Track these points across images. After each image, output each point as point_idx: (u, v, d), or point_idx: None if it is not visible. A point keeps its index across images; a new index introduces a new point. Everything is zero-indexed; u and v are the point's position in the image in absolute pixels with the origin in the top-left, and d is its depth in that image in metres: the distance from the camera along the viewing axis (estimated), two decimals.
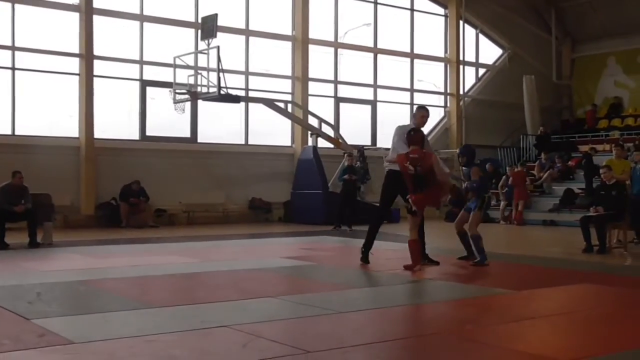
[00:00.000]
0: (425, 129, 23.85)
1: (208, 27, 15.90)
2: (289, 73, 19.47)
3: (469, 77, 23.26)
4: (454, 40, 22.51)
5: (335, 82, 20.33)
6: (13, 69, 15.77)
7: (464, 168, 9.26)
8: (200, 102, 17.19)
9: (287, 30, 19.46)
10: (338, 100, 20.30)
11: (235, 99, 16.52)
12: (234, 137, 18.64)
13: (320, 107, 19.30)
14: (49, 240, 11.43)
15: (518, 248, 11.81)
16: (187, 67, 16.35)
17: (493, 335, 4.97)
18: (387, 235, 13.65)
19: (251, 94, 18.52)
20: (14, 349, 4.37)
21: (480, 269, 8.46)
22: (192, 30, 17.80)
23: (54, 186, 14.54)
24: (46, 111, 16.28)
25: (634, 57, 23.31)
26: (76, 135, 16.30)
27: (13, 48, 15.74)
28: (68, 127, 16.30)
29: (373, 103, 20.99)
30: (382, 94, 21.18)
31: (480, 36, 23.55)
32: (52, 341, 4.57)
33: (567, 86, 25.17)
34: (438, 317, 5.76)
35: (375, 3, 21.09)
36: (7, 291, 6.64)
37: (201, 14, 16.85)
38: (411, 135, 8.04)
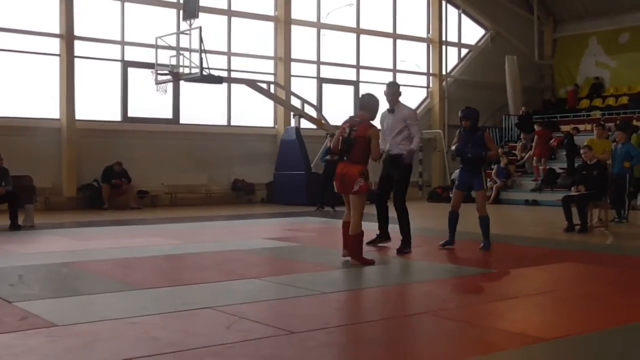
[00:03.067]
0: None
1: (190, 8, 15.75)
2: (272, 54, 19.36)
3: (452, 58, 23.27)
4: (436, 21, 22.48)
5: (318, 62, 20.25)
6: None
7: (463, 133, 8.23)
8: (182, 83, 17.07)
9: (270, 11, 19.32)
10: (321, 81, 20.23)
11: (217, 80, 16.42)
12: (217, 118, 18.55)
13: (303, 87, 19.24)
14: (31, 223, 11.34)
15: (500, 228, 11.87)
16: (169, 47, 16.21)
17: (476, 314, 5.02)
18: (370, 216, 13.71)
19: (234, 74, 18.40)
20: None
21: (464, 248, 8.48)
22: (174, 11, 17.62)
23: (35, 168, 14.42)
24: (27, 92, 16.07)
25: (615, 37, 23.43)
26: (57, 116, 16.13)
27: None
28: (49, 108, 16.13)
29: (356, 84, 20.95)
30: (364, 75, 21.14)
31: (463, 16, 23.53)
32: (34, 324, 4.55)
33: (549, 66, 25.28)
34: (421, 297, 5.80)
35: None
36: None
37: None
38: (363, 99, 7.46)
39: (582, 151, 11.23)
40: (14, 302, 5.22)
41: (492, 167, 18.89)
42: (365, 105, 7.38)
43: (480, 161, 8.23)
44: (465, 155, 8.23)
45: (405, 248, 8.09)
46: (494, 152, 8.26)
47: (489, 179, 18.39)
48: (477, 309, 5.19)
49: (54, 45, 16.13)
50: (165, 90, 16.52)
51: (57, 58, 16.12)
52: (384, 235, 8.59)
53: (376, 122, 7.50)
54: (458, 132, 8.51)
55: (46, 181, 15.34)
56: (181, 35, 16.20)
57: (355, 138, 7.12)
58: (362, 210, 7.15)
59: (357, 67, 21.05)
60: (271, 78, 18.92)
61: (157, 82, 16.24)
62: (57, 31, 16.09)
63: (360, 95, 7.70)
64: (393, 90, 8.33)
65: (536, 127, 19.64)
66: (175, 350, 3.93)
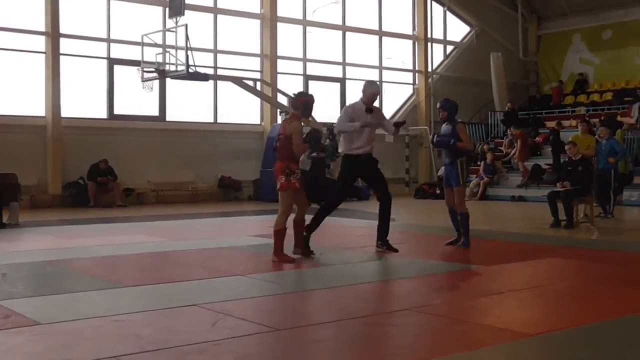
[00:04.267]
0: (395, 106, 23.81)
1: (176, 5, 15.69)
2: (258, 51, 19.32)
3: (437, 55, 23.31)
4: (421, 18, 22.50)
5: (304, 60, 20.23)
6: None
7: (444, 125, 8.25)
8: (168, 81, 17.00)
9: (256, 8, 19.27)
10: (307, 78, 20.20)
11: (203, 77, 16.36)
12: (203, 115, 18.48)
13: (289, 85, 19.20)
14: (15, 221, 11.26)
15: (486, 224, 11.93)
16: (155, 45, 16.13)
17: (462, 310, 5.03)
18: (355, 212, 13.72)
19: (220, 72, 18.35)
20: None
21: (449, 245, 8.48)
22: (160, 8, 17.51)
23: (20, 166, 14.31)
24: (12, 90, 15.94)
25: (599, 33, 23.57)
26: (43, 114, 16.00)
27: None
28: (34, 106, 15.99)
29: (342, 81, 20.94)
30: (350, 72, 21.13)
31: (448, 14, 23.58)
32: (18, 322, 4.52)
33: (533, 63, 25.39)
34: (406, 293, 5.81)
35: None
36: None
37: None
38: (293, 98, 7.51)
39: (567, 147, 11.28)
40: None
41: (479, 163, 19.02)
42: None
43: (453, 154, 8.19)
44: (433, 139, 8.30)
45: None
46: (465, 143, 8.16)
47: (475, 175, 18.50)
48: (462, 305, 5.21)
49: (40, 42, 16.00)
50: (152, 88, 16.45)
51: (43, 55, 15.98)
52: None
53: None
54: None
55: (31, 179, 15.23)
56: (167, 33, 16.13)
57: (280, 136, 7.25)
58: (285, 208, 7.12)
59: (344, 64, 21.04)
60: (257, 75, 18.88)
61: (143, 80, 16.17)
62: (42, 29, 15.96)
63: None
64: (378, 90, 8.21)
65: (513, 130, 19.71)
66: (159, 347, 3.92)
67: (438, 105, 8.33)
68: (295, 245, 7.52)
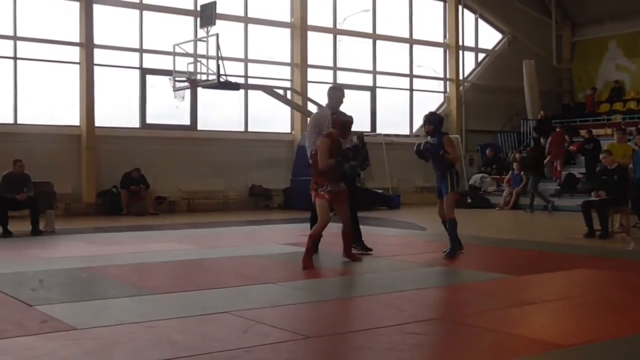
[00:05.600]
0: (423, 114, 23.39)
1: (207, 15, 15.85)
2: (288, 60, 19.42)
3: (469, 62, 23.19)
4: (453, 25, 22.42)
5: (334, 68, 20.28)
6: (15, 58, 15.76)
7: (430, 138, 8.37)
8: (199, 90, 17.17)
9: (286, 17, 19.39)
10: None
11: (234, 86, 16.49)
12: (234, 124, 18.62)
13: (320, 93, 19.21)
14: (51, 228, 11.47)
15: (519, 233, 11.82)
16: (187, 54, 16.32)
17: (493, 320, 4.99)
18: (386, 221, 13.69)
19: (250, 81, 18.48)
20: (17, 335, 4.42)
21: (478, 253, 8.43)
22: (192, 18, 17.74)
23: (56, 174, 14.56)
24: (47, 100, 16.27)
25: (636, 40, 23.20)
26: (77, 123, 16.30)
27: (15, 38, 15.72)
28: (69, 115, 16.30)
29: (372, 89, 20.94)
30: (381, 80, 21.13)
31: (480, 21, 23.46)
32: (55, 327, 4.61)
33: (567, 70, 25.09)
34: (437, 302, 5.79)
35: None
36: (11, 278, 6.68)
37: (200, 2, 16.80)
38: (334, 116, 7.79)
39: (601, 156, 11.12)
40: (35, 305, 5.30)
41: (504, 175, 18.88)
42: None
43: (443, 166, 8.23)
44: (421, 152, 8.35)
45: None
46: (452, 155, 8.22)
47: (501, 184, 18.31)
48: (493, 315, 5.16)
49: (74, 53, 16.32)
50: (183, 97, 16.63)
51: (77, 66, 16.29)
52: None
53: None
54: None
55: (66, 187, 15.50)
56: (199, 43, 16.31)
57: (313, 152, 7.63)
58: (321, 218, 7.39)
59: (374, 72, 21.04)
60: (288, 84, 18.97)
61: (175, 89, 16.35)
62: (77, 40, 16.27)
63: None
64: (344, 94, 8.56)
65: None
66: (193, 354, 3.96)
67: (424, 119, 8.48)
68: (345, 254, 7.87)
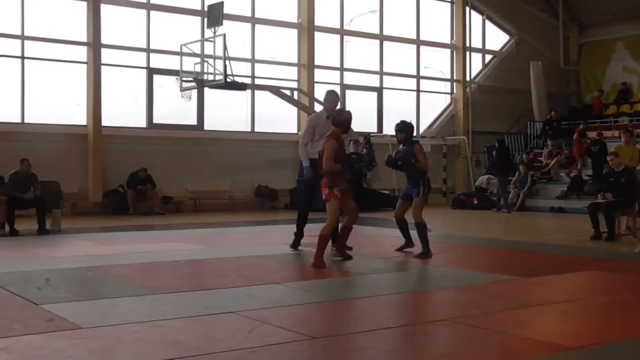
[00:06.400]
0: (432, 116, 23.76)
1: (214, 15, 15.87)
2: (295, 60, 19.43)
3: (476, 64, 23.15)
4: (460, 27, 22.38)
5: (341, 69, 20.28)
6: (22, 57, 15.80)
7: (401, 146, 8.58)
8: (206, 90, 17.18)
9: (293, 18, 19.40)
10: (344, 87, 20.25)
11: (241, 87, 16.50)
12: (240, 124, 18.64)
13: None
14: (58, 227, 11.49)
15: (525, 235, 11.78)
16: (194, 55, 16.34)
17: (499, 321, 4.97)
18: (393, 222, 13.67)
19: (257, 81, 18.49)
20: (23, 334, 4.43)
21: (485, 255, 8.42)
22: (199, 18, 17.76)
23: (63, 174, 14.60)
24: (55, 99, 16.31)
25: None
26: (84, 123, 16.34)
27: (22, 37, 15.76)
28: (76, 115, 16.34)
29: (379, 90, 20.93)
30: (388, 81, 21.11)
31: (487, 22, 23.40)
32: (61, 326, 4.62)
33: (574, 72, 25.00)
34: (443, 303, 5.77)
35: None
36: (17, 277, 6.71)
37: (207, 2, 16.82)
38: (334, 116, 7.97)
39: (609, 158, 11.08)
40: (41, 304, 5.31)
41: (510, 177, 18.78)
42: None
43: (415, 172, 8.35)
44: (392, 161, 8.60)
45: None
46: (422, 163, 8.32)
47: (508, 187, 18.27)
48: (500, 317, 5.14)
49: (82, 53, 16.36)
50: (190, 97, 16.64)
51: (85, 66, 16.33)
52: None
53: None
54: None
55: (73, 186, 15.54)
56: (205, 43, 16.32)
57: (321, 152, 7.81)
58: (331, 216, 7.57)
59: (381, 73, 21.02)
60: (294, 85, 18.98)
61: (182, 89, 16.37)
62: (84, 39, 16.31)
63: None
64: (338, 98, 8.91)
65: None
66: (198, 354, 3.96)
67: (395, 127, 8.64)
68: (337, 248, 8.08)
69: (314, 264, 7.35)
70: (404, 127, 8.56)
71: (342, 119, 7.84)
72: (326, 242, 7.57)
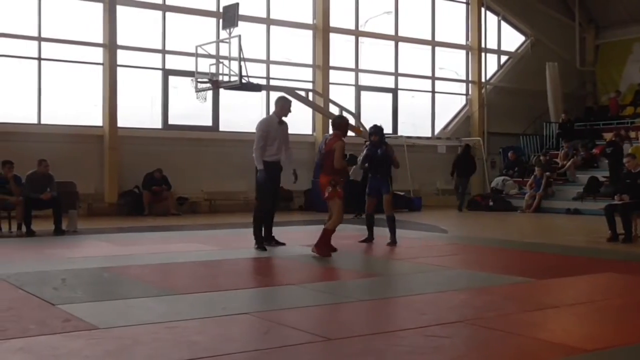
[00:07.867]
0: (448, 117, 23.72)
1: (229, 16, 15.91)
2: (310, 61, 19.44)
3: (491, 65, 23.04)
4: (475, 28, 22.29)
5: (356, 70, 20.27)
6: (39, 59, 15.94)
7: (378, 150, 9.54)
8: (221, 91, 17.21)
9: (308, 19, 19.41)
10: (359, 88, 20.23)
11: (256, 88, 16.53)
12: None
13: (341, 95, 19.25)
14: (74, 228, 11.57)
15: (541, 236, 11.71)
16: (209, 56, 16.38)
17: (516, 323, 4.94)
18: (408, 223, 13.64)
19: (272, 82, 18.50)
20: (40, 334, 4.45)
21: (499, 256, 8.39)
22: (214, 20, 17.83)
23: (79, 174, 14.72)
24: (71, 100, 16.43)
25: None
26: (100, 124, 16.45)
27: (39, 39, 15.90)
28: (92, 116, 16.46)
29: (394, 91, 20.89)
30: (403, 82, 21.07)
31: (502, 23, 23.29)
32: (77, 326, 4.65)
33: (591, 73, 24.82)
34: (459, 305, 5.74)
35: None
36: (34, 277, 6.75)
37: (222, 3, 16.88)
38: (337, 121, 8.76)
39: (625, 160, 11.00)
40: (57, 304, 5.34)
41: (526, 178, 18.74)
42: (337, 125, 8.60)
43: (386, 169, 9.53)
44: (373, 163, 9.56)
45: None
46: (396, 162, 9.72)
47: (523, 187, 18.17)
48: (515, 318, 5.12)
49: (98, 54, 16.47)
50: (205, 98, 16.68)
51: (101, 67, 16.45)
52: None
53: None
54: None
55: (89, 187, 15.66)
56: (221, 44, 16.36)
57: (325, 152, 8.39)
58: (338, 213, 8.21)
59: (396, 74, 20.98)
60: (310, 86, 18.98)
61: (197, 90, 16.41)
62: (100, 41, 16.42)
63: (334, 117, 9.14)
64: (291, 104, 9.69)
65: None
66: (213, 354, 3.97)
67: (370, 130, 9.77)
68: (315, 246, 8.43)
69: (316, 251, 8.03)
70: (377, 131, 9.69)
71: (344, 124, 8.57)
72: (329, 235, 8.09)
